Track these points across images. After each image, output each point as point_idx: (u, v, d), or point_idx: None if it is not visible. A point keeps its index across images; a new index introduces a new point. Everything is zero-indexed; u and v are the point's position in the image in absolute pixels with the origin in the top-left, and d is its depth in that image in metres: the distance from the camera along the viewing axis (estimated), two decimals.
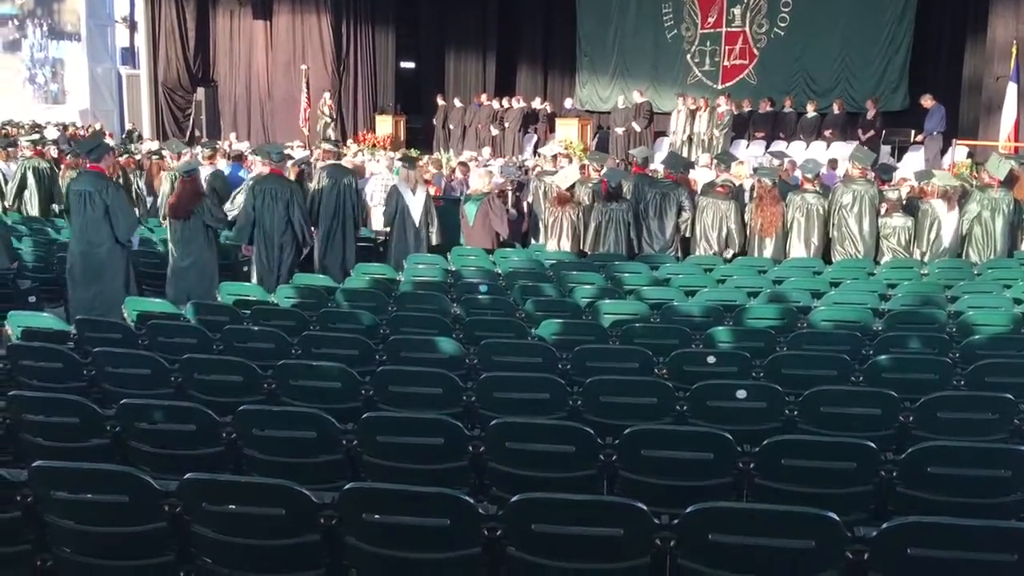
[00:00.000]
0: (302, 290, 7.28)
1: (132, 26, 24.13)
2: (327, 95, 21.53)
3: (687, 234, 9.81)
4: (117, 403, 4.10)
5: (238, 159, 12.65)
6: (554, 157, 13.54)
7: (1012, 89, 13.89)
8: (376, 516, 3.03)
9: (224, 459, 3.97)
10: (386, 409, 4.49)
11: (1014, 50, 13.84)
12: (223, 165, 12.18)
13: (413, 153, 16.76)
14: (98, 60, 24.49)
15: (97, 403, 4.21)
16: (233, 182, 11.15)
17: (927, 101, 15.71)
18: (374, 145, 19.66)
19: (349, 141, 20.77)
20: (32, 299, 7.80)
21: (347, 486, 3.03)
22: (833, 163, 13.59)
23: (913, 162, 15.60)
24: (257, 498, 3.13)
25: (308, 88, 21.23)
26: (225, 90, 23.34)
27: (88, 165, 8.13)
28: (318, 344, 5.51)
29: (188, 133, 22.36)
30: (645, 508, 2.87)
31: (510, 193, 11.39)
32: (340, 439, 3.89)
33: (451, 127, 21.27)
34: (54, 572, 3.25)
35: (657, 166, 11.42)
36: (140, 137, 20.98)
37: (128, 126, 23.30)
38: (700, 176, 11.62)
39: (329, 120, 21.30)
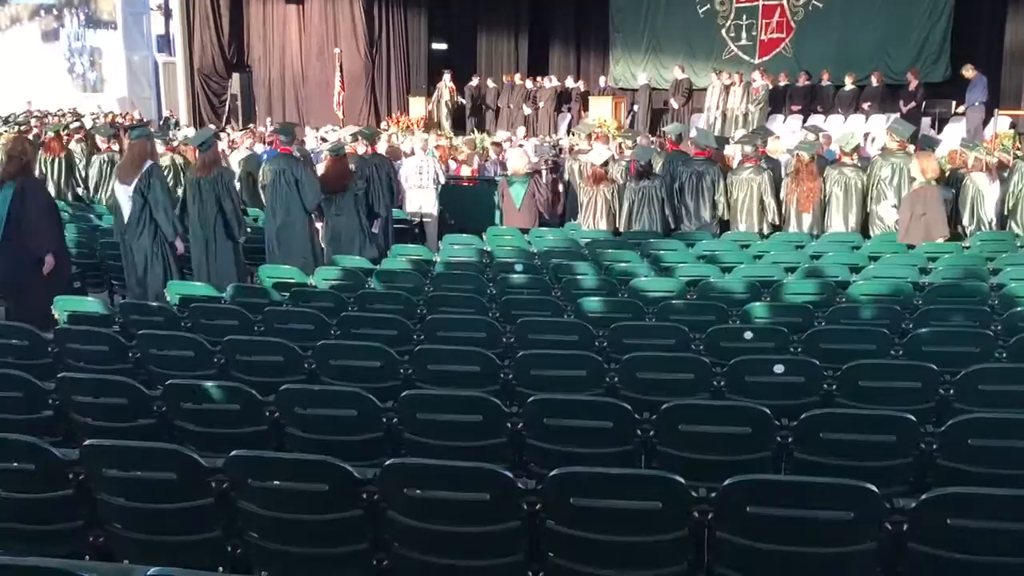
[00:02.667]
0: (340, 272, 7.36)
1: (167, 14, 24.30)
2: (447, 76, 21.17)
3: (724, 216, 9.74)
4: (162, 384, 4.19)
5: (272, 143, 12.78)
6: (588, 136, 13.51)
7: None
8: (417, 491, 3.08)
9: (268, 437, 4.04)
10: (425, 387, 4.54)
11: None
12: (258, 148, 12.31)
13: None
14: (134, 48, 24.74)
15: (143, 384, 4.30)
16: None
17: (968, 72, 15.43)
18: (407, 127, 19.71)
19: (383, 123, 20.86)
20: (76, 284, 8.02)
21: (388, 462, 3.08)
22: (868, 135, 13.40)
23: (954, 133, 15.34)
24: (301, 474, 3.19)
25: (342, 71, 21.31)
26: (260, 75, 23.50)
27: (280, 148, 9.24)
28: (357, 325, 5.58)
29: (224, 118, 22.56)
30: (683, 481, 2.89)
31: (545, 172, 11.39)
32: (380, 417, 3.95)
33: (484, 107, 21.26)
34: (106, 547, 3.35)
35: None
36: (177, 124, 21.21)
37: (165, 113, 23.56)
38: (735, 153, 11.54)
39: (451, 103, 20.91)
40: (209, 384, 4.15)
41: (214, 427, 4.09)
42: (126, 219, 7.67)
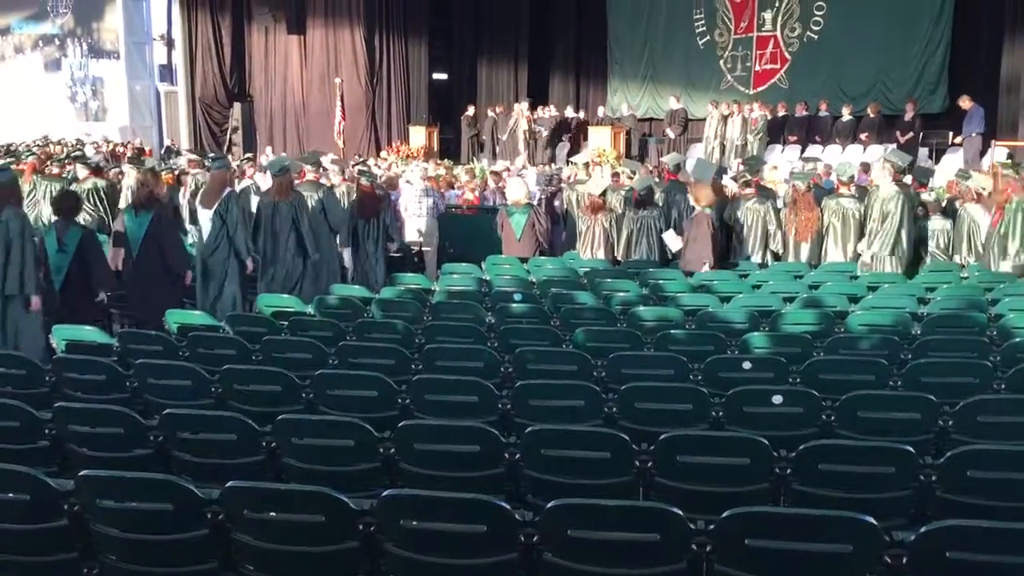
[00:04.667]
0: (339, 301, 7.37)
1: (170, 43, 24.55)
2: (525, 104, 20.73)
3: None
4: (159, 414, 4.18)
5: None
6: (586, 165, 13.57)
7: None
8: (414, 523, 3.06)
9: (264, 468, 4.03)
10: (422, 417, 4.53)
11: None
12: (261, 180, 12.32)
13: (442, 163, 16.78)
14: (137, 77, 24.94)
15: (140, 414, 4.29)
16: None
17: (965, 102, 15.51)
18: (408, 156, 19.81)
19: (383, 152, 20.96)
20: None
21: (385, 493, 3.06)
22: (865, 166, 13.45)
23: (952, 164, 15.40)
24: (297, 505, 3.18)
25: (343, 101, 21.44)
26: (261, 105, 23.65)
27: (315, 176, 10.41)
28: (355, 354, 5.58)
29: (225, 147, 22.69)
30: (681, 513, 2.88)
31: (544, 202, 11.44)
32: (377, 447, 3.93)
33: (484, 137, 21.38)
34: None
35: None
36: (178, 152, 21.30)
37: (167, 142, 23.68)
38: (731, 184, 11.59)
39: (529, 133, 20.16)
40: (206, 413, 4.13)
41: (211, 457, 4.07)
42: (205, 239, 8.49)
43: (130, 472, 3.58)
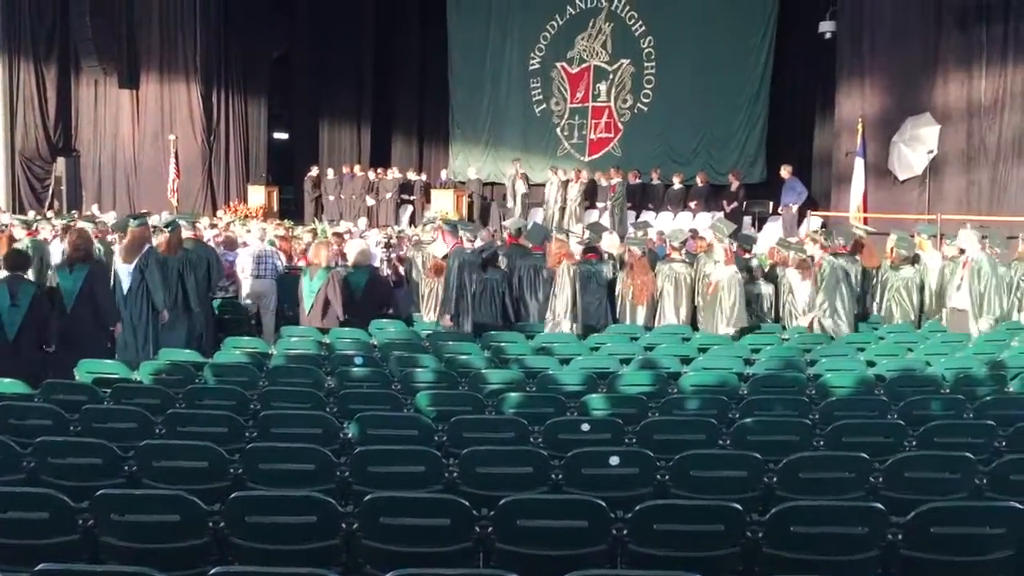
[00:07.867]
0: (169, 365, 7.03)
1: None
2: (518, 164, 19.89)
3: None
4: None
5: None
6: (430, 225, 13.61)
7: (859, 164, 14.84)
8: None
9: (79, 548, 3.75)
10: (256, 488, 4.35)
11: (859, 127, 14.84)
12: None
13: (285, 223, 16.51)
14: None
15: None
16: None
17: (785, 173, 16.65)
18: (246, 216, 19.34)
19: (220, 212, 20.39)
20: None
21: (212, 571, 2.91)
22: (694, 232, 14.12)
23: (772, 232, 16.41)
24: None
25: (177, 159, 20.78)
26: (88, 160, 22.56)
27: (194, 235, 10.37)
28: (184, 422, 5.32)
29: (47, 204, 21.50)
30: None
31: (384, 264, 11.37)
32: (206, 521, 3.74)
33: (329, 198, 21.17)
34: None
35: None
36: None
37: None
38: (573, 247, 11.86)
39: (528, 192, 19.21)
40: (15, 491, 3.83)
41: (19, 538, 3.76)
42: (125, 292, 8.73)
43: None
